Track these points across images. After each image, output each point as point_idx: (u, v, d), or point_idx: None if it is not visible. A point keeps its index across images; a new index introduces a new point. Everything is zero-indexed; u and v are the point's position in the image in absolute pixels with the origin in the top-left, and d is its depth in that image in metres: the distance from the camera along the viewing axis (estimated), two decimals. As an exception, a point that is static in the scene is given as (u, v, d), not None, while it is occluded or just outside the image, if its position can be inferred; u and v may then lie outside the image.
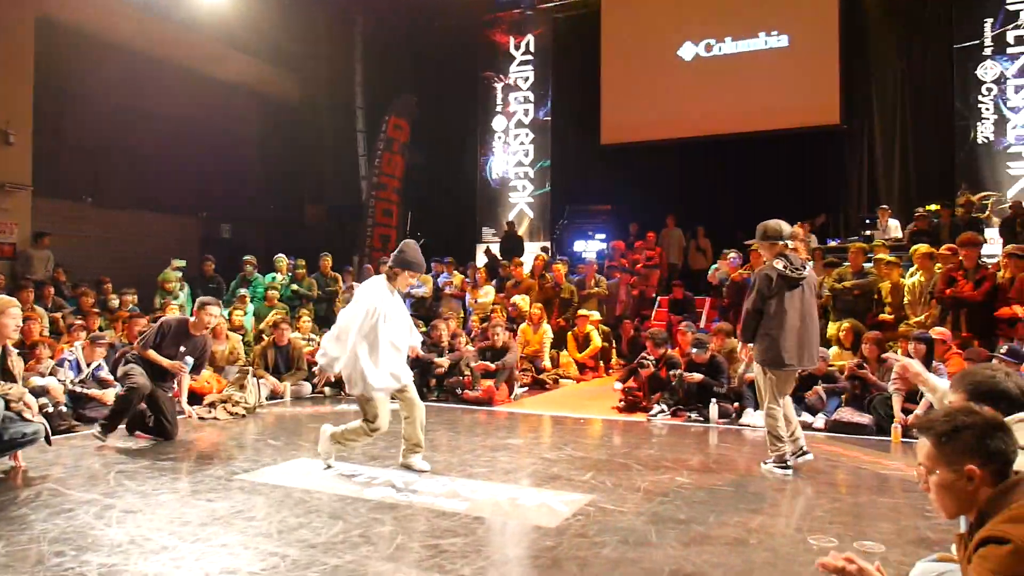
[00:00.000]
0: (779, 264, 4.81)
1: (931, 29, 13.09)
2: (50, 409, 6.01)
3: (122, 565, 3.12)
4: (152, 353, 5.91)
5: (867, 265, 8.64)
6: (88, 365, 6.82)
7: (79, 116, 11.98)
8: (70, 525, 3.64)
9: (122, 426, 5.78)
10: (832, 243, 11.41)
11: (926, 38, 13.14)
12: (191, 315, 6.57)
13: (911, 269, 8.14)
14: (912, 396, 6.19)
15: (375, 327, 4.58)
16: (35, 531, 3.55)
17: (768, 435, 4.93)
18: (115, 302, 9.65)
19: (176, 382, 6.30)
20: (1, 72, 10.75)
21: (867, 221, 11.77)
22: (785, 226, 4.95)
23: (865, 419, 6.32)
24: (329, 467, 4.84)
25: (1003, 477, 1.88)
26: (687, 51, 14.68)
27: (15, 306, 4.72)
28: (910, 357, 6.28)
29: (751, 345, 4.96)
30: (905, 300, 7.96)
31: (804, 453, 4.90)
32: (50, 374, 6.58)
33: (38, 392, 6.04)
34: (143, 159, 12.75)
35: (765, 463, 4.97)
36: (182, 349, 6.02)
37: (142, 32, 12.70)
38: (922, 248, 8.06)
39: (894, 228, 11.19)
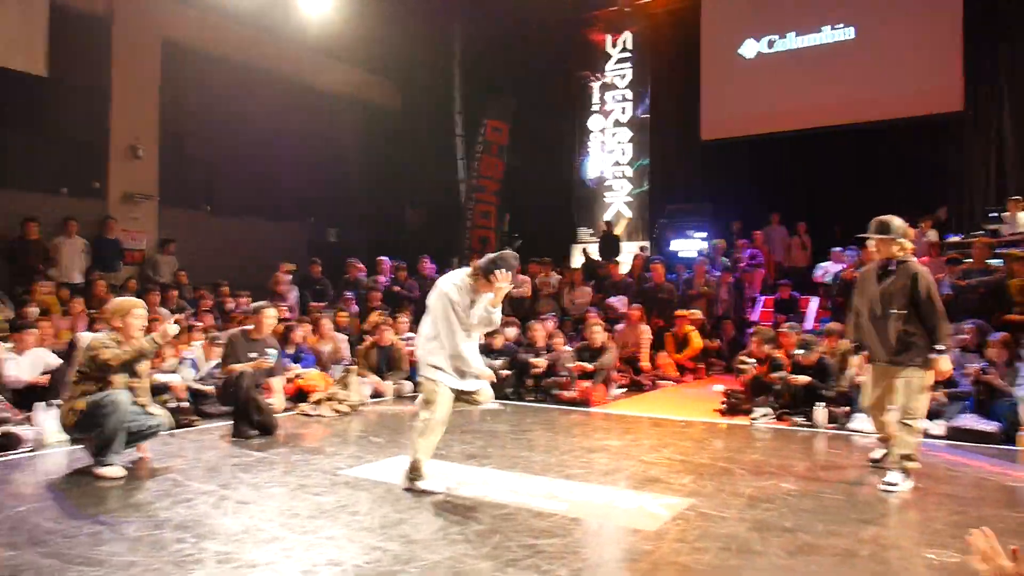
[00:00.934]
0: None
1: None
2: (172, 405, 6.43)
3: (236, 553, 3.29)
4: (235, 367, 6.16)
5: (993, 261, 8.03)
6: (207, 363, 7.26)
7: (196, 129, 12.78)
8: (190, 513, 3.87)
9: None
10: (954, 238, 10.67)
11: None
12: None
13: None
14: (1046, 402, 5.71)
15: (446, 313, 4.38)
16: (159, 518, 3.80)
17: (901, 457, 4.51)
18: (231, 304, 10.21)
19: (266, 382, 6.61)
20: (131, 92, 11.63)
21: (992, 215, 10.92)
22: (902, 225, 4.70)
23: (991, 426, 5.88)
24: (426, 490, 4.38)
25: None
26: (792, 40, 14.09)
27: (140, 307, 5.08)
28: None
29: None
30: (1037, 298, 7.36)
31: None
32: (172, 372, 7.04)
33: (161, 389, 6.50)
34: (253, 168, 13.45)
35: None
36: (252, 355, 6.27)
37: (251, 47, 13.41)
38: (1057, 242, 7.43)
39: (1024, 221, 10.34)
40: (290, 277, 11.14)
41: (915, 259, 4.63)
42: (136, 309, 5.00)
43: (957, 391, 6.27)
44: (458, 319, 4.41)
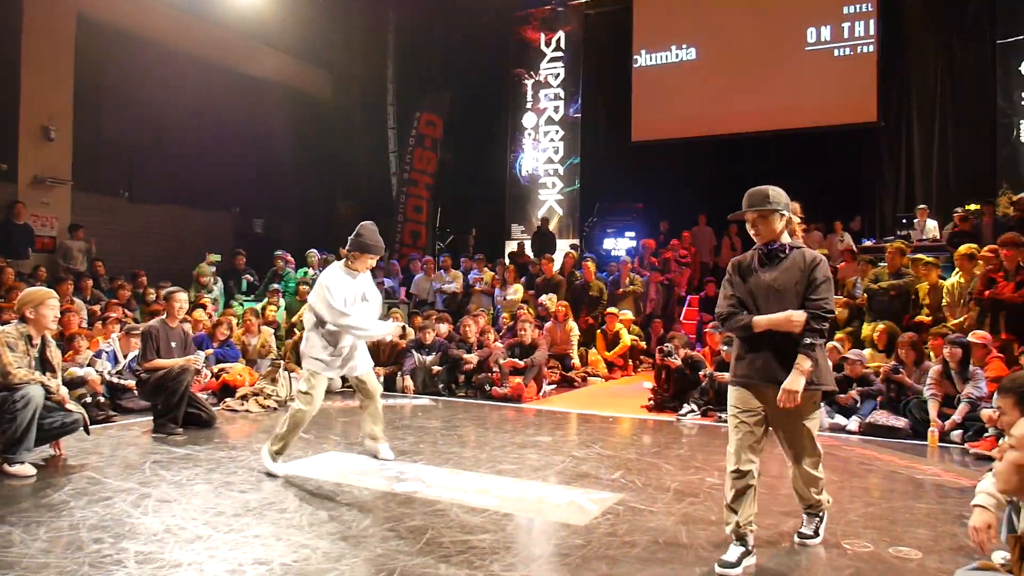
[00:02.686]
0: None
1: (973, 24, 12.76)
2: (88, 399, 6.15)
3: (158, 553, 3.17)
4: (159, 362, 5.96)
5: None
6: (125, 356, 6.96)
7: (115, 112, 12.21)
8: (108, 513, 3.71)
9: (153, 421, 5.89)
10: (868, 243, 11.21)
11: (967, 34, 12.81)
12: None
13: (954, 270, 7.96)
14: (949, 401, 6.07)
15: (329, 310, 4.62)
16: (75, 518, 3.63)
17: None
18: (151, 295, 9.83)
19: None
20: (43, 69, 11.00)
21: (904, 221, 11.54)
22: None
23: (901, 422, 6.21)
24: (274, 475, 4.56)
25: None
26: (719, 47, 14.52)
27: (53, 297, 4.83)
28: (945, 361, 6.16)
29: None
30: (944, 302, 7.80)
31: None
32: (88, 365, 6.72)
33: (77, 383, 6.20)
34: (177, 155, 12.97)
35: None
36: (173, 344, 6.09)
37: (177, 29, 12.91)
38: (963, 248, 7.88)
39: (932, 228, 10.96)
40: (214, 268, 10.80)
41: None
42: (50, 299, 4.76)
43: (869, 389, 6.59)
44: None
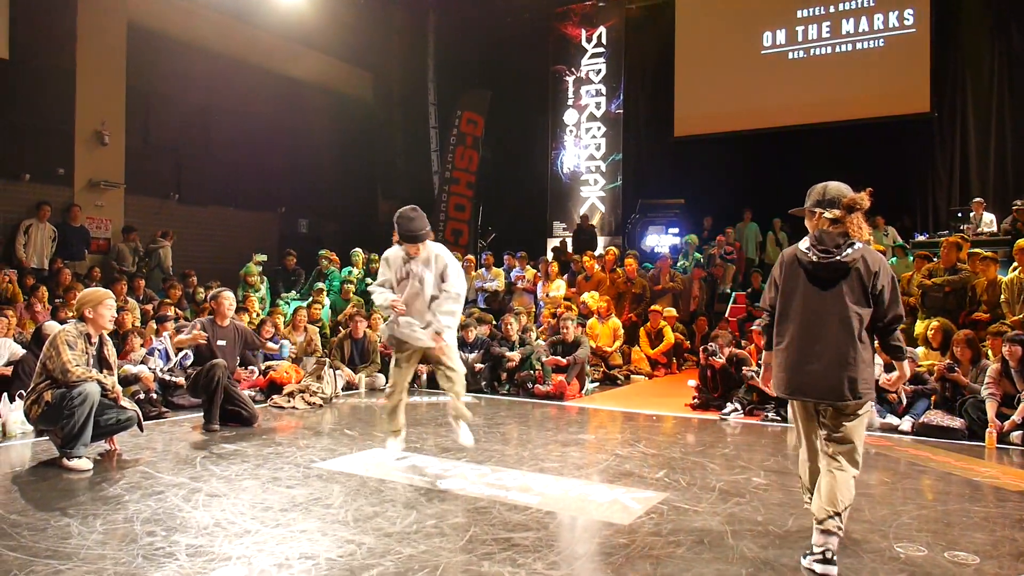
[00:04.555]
0: (804, 244, 3.30)
1: (1030, 10, 12.30)
2: (141, 396, 6.33)
3: (208, 546, 3.25)
4: (184, 339, 5.94)
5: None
6: (176, 354, 7.13)
7: (165, 116, 12.53)
8: (160, 506, 3.81)
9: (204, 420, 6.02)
10: (921, 237, 10.89)
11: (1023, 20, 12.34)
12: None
13: (1012, 265, 7.68)
14: (1008, 400, 5.86)
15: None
16: (128, 511, 3.73)
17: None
18: (201, 294, 10.07)
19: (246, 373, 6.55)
20: (96, 77, 11.35)
21: (959, 215, 11.17)
22: (836, 189, 3.31)
23: (956, 423, 6.01)
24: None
25: None
26: (765, 40, 14.26)
27: (111, 297, 4.98)
28: (1004, 359, 5.95)
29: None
30: (1002, 298, 7.53)
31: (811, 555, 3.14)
32: (141, 363, 6.92)
33: (130, 380, 6.39)
34: (223, 157, 13.26)
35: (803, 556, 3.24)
36: (221, 343, 6.18)
37: (221, 34, 13.19)
38: (1022, 242, 7.60)
39: (989, 222, 10.58)
40: (260, 268, 11.01)
41: (800, 242, 3.38)
42: (107, 299, 4.91)
43: (923, 388, 6.40)
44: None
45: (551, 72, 16.56)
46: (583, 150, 16.19)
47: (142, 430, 5.07)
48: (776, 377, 3.35)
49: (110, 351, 5.02)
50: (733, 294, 11.88)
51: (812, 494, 3.30)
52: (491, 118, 16.34)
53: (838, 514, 3.10)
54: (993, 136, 12.57)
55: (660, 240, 14.11)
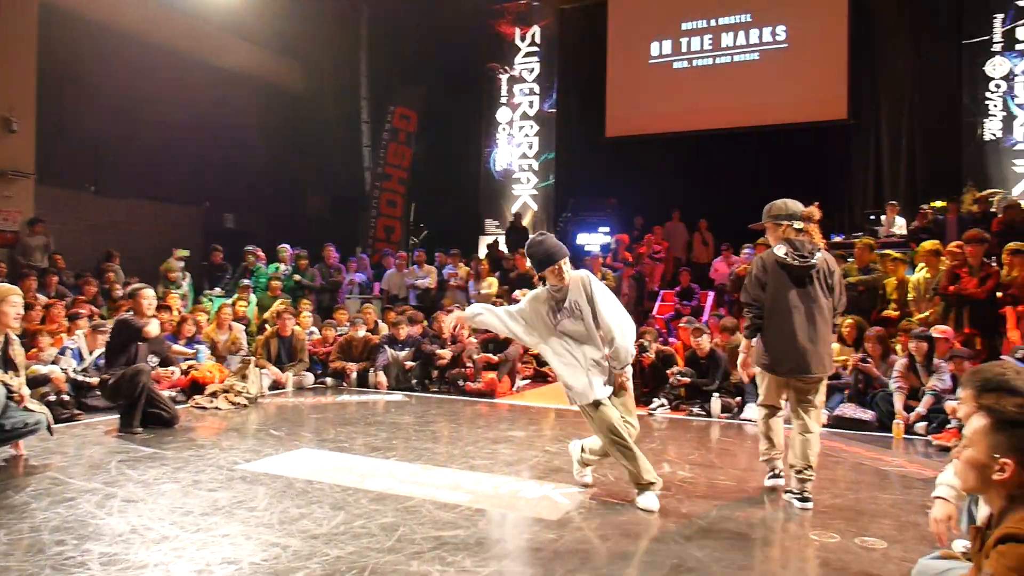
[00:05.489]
0: (780, 250, 4.09)
1: (941, 24, 12.99)
2: (52, 398, 6.03)
3: (123, 554, 3.12)
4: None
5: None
6: (90, 353, 6.83)
7: (82, 104, 11.96)
8: (71, 514, 3.64)
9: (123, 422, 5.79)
10: (837, 238, 11.35)
11: (935, 33, 13.03)
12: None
13: (919, 266, 8.10)
14: (915, 393, 6.18)
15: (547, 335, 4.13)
16: (36, 520, 3.55)
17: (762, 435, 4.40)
18: (118, 291, 9.66)
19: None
20: (4, 59, 10.73)
21: (872, 217, 11.71)
22: (795, 205, 4.17)
23: (867, 415, 6.31)
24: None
25: None
26: (693, 44, 14.62)
27: (16, 294, 4.72)
28: (911, 354, 6.28)
29: (753, 342, 4.25)
30: (909, 297, 7.93)
31: (776, 476, 4.35)
32: (52, 363, 6.59)
33: (40, 381, 6.07)
34: (145, 148, 12.72)
35: (785, 492, 4.21)
36: (139, 342, 5.98)
37: (146, 20, 12.67)
38: (928, 245, 8.02)
39: (900, 225, 11.12)
40: (182, 264, 10.64)
41: (775, 248, 4.16)
42: (11, 296, 4.65)
43: (838, 382, 6.68)
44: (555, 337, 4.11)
45: (485, 69, 16.55)
46: (516, 148, 16.25)
47: (52, 434, 4.82)
48: (772, 359, 4.12)
49: (16, 351, 4.75)
50: (661, 292, 12.13)
51: (780, 453, 4.29)
52: (424, 114, 16.23)
53: (811, 467, 4.01)
54: (905, 142, 13.23)
55: (591, 239, 14.28)
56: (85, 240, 11.84)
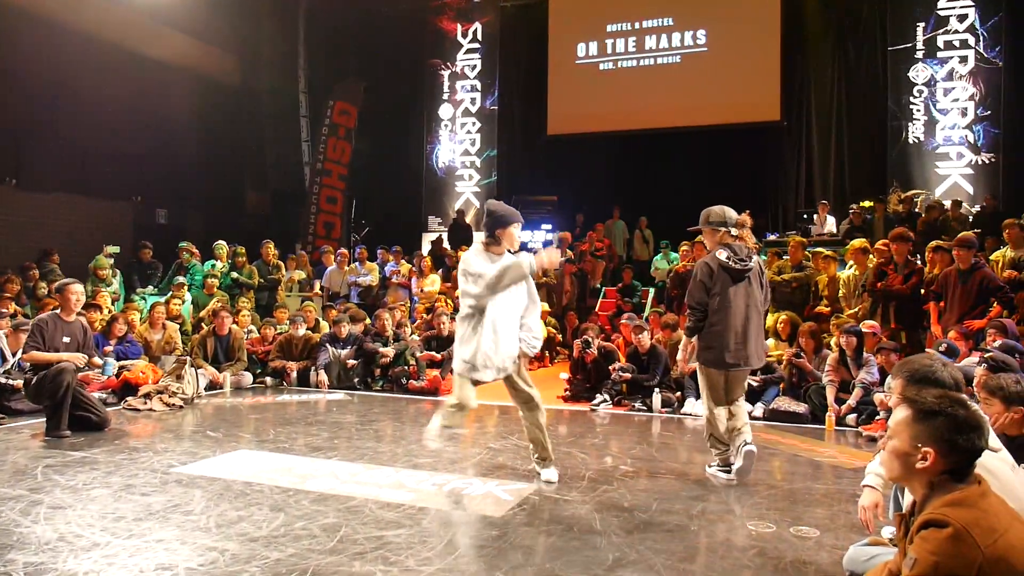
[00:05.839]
0: (722, 254, 4.43)
1: (867, 31, 13.52)
2: (-28, 401, 5.74)
3: (50, 563, 2.99)
4: (37, 355, 5.56)
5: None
6: (13, 355, 6.52)
7: (1, 93, 11.37)
8: (-6, 522, 3.47)
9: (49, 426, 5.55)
10: (771, 236, 11.70)
11: (862, 39, 13.57)
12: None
13: (849, 264, 8.41)
14: (845, 386, 6.41)
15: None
16: (-45, 529, 3.38)
17: (709, 438, 4.58)
18: (42, 289, 9.26)
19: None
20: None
21: (805, 216, 12.11)
22: (730, 212, 4.58)
23: (801, 408, 6.52)
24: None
25: (960, 470, 1.91)
26: (632, 44, 14.84)
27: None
28: (841, 348, 6.52)
29: (694, 340, 4.52)
30: (840, 293, 8.22)
31: (747, 444, 4.46)
32: (-28, 364, 6.27)
33: (-42, 383, 5.77)
34: (71, 140, 12.18)
35: (710, 466, 4.61)
36: (66, 340, 5.74)
37: (71, 7, 12.13)
38: (857, 243, 8.33)
39: (831, 223, 11.54)
40: (112, 260, 10.24)
41: (716, 252, 4.48)
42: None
43: (772, 376, 6.88)
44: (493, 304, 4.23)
45: (427, 66, 16.45)
46: (458, 145, 16.20)
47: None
48: (715, 355, 4.41)
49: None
50: (603, 289, 12.28)
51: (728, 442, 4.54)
52: (365, 109, 16.02)
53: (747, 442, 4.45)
54: (833, 143, 13.73)
55: (533, 236, 14.35)
56: (7, 236, 11.30)
